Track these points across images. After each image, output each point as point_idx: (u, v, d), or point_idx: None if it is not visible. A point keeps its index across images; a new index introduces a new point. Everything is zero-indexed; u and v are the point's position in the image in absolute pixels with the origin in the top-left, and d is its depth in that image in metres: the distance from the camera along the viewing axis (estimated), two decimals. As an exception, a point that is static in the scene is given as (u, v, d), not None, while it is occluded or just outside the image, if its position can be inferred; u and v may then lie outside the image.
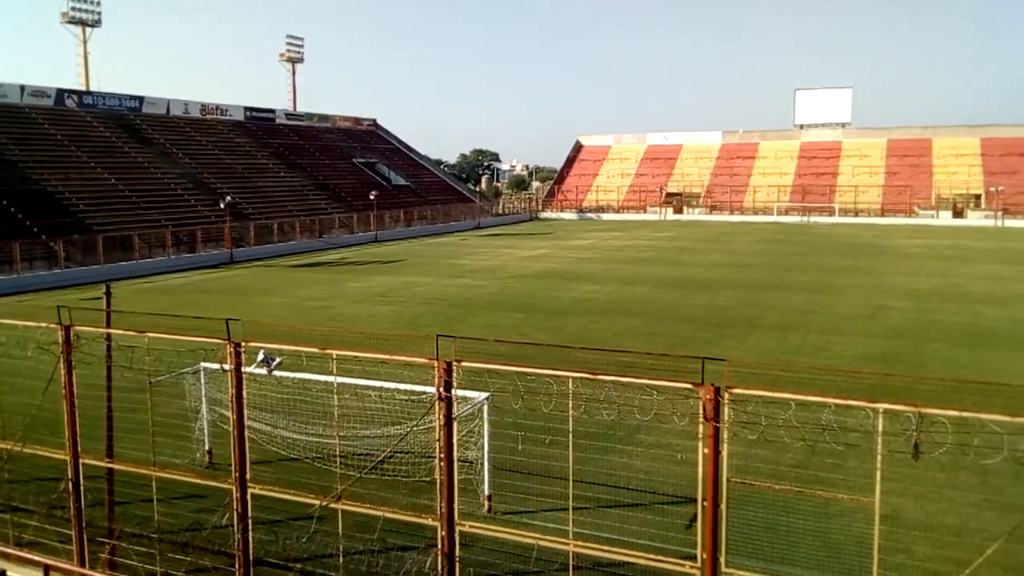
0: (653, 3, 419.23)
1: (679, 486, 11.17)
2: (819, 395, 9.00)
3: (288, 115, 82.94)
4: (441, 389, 9.68)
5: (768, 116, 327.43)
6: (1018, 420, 7.46)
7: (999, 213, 71.18)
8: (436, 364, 9.67)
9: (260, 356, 10.57)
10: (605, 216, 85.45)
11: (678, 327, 24.85)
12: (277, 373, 10.99)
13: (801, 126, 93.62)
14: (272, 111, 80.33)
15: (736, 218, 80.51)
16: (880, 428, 7.82)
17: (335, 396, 10.85)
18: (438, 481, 9.74)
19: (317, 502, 9.84)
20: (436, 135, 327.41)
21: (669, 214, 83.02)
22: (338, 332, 22.98)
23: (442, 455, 9.55)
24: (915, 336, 23.32)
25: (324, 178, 71.53)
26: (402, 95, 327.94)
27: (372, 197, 60.78)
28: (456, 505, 9.36)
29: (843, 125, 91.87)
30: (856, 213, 78.82)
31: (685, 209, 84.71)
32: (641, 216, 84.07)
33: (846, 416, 8.65)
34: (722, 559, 8.32)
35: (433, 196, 79.05)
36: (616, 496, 11.52)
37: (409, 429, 10.54)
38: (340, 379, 10.83)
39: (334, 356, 10.25)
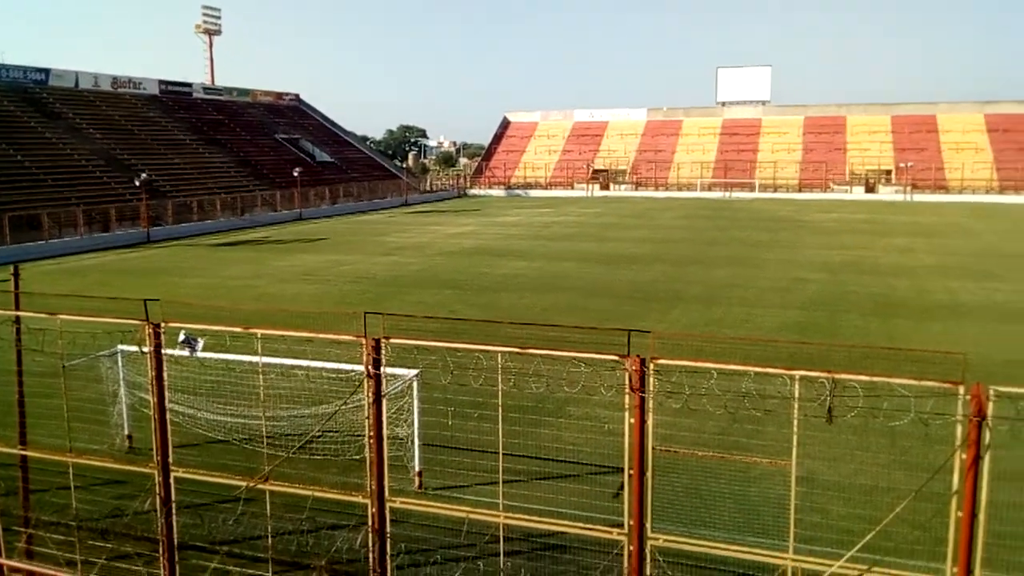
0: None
1: (607, 456, 11.41)
2: (740, 364, 9.29)
3: (206, 89, 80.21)
4: (370, 367, 9.61)
5: (691, 94, 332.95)
6: (924, 384, 7.85)
7: (908, 188, 74.32)
8: (364, 341, 9.58)
9: (181, 337, 10.29)
10: (533, 193, 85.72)
11: (605, 301, 25.21)
12: (200, 354, 10.72)
13: (723, 103, 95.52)
14: (189, 85, 77.55)
15: (661, 194, 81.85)
16: (796, 394, 8.13)
17: (260, 376, 10.65)
18: (368, 459, 9.70)
19: (244, 483, 9.68)
20: (362, 111, 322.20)
21: (596, 191, 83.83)
22: (262, 311, 22.54)
23: (371, 433, 9.51)
24: (830, 307, 24.23)
25: (245, 154, 69.59)
26: (326, 70, 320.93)
27: (296, 174, 59.49)
28: (386, 482, 9.35)
29: (763, 103, 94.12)
30: (775, 189, 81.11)
31: (611, 185, 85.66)
32: (568, 193, 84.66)
33: (765, 384, 8.95)
34: (648, 525, 8.54)
35: (359, 173, 77.83)
36: (546, 468, 11.69)
37: (337, 408, 10.44)
38: (265, 359, 10.64)
39: (259, 335, 10.04)
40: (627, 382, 8.74)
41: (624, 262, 33.82)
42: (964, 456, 7.40)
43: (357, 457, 11.05)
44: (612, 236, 44.30)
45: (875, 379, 7.95)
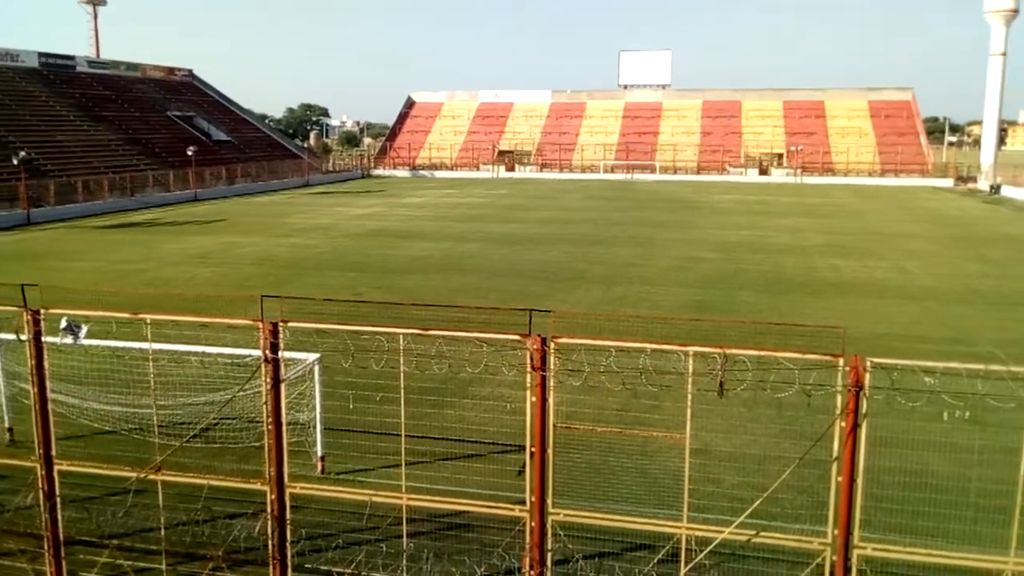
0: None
1: (511, 435, 11.51)
2: (637, 341, 9.53)
3: (91, 63, 75.85)
4: (267, 352, 9.37)
5: (595, 77, 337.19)
6: (808, 357, 8.24)
7: (798, 171, 77.62)
8: (261, 326, 9.34)
9: (63, 324, 9.76)
10: (438, 174, 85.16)
11: (510, 282, 25.37)
12: (85, 341, 10.20)
13: (625, 87, 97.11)
14: (72, 58, 73.16)
15: (565, 175, 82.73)
16: (691, 369, 8.40)
17: (151, 363, 10.24)
18: (267, 445, 9.49)
19: (134, 475, 9.31)
20: (261, 88, 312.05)
21: (502, 172, 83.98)
22: (153, 296, 21.64)
23: (270, 419, 9.29)
24: (725, 284, 25.12)
25: (135, 132, 66.33)
26: (222, 45, 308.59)
27: (190, 153, 57.16)
28: (286, 468, 9.17)
29: (663, 87, 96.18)
30: (675, 171, 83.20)
31: (517, 167, 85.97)
32: (474, 174, 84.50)
33: (662, 360, 9.21)
34: (549, 501, 8.69)
35: (258, 152, 75.42)
36: (451, 448, 11.72)
37: (233, 395, 10.14)
38: (156, 345, 10.23)
39: (148, 321, 9.65)
40: (528, 361, 8.84)
41: (529, 243, 34.08)
42: (844, 424, 7.84)
43: (256, 444, 10.79)
44: (518, 217, 44.53)
45: (763, 353, 8.30)
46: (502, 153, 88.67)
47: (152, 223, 41.94)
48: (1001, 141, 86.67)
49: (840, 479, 7.87)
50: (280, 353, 9.54)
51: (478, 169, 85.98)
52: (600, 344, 9.17)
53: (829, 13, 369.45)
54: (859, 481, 7.91)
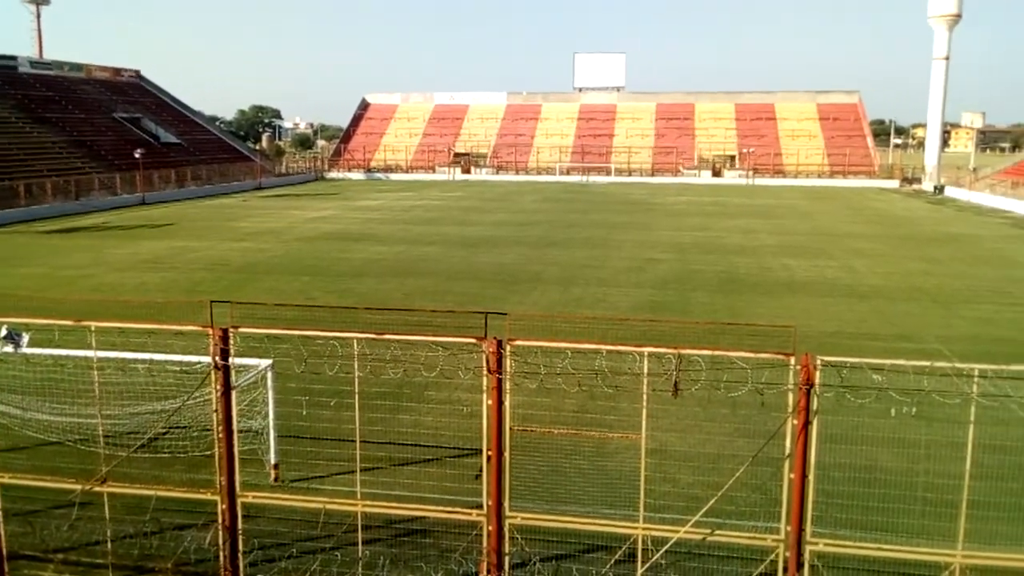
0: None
1: (467, 439, 11.45)
2: (593, 343, 9.55)
3: (33, 63, 73.75)
4: (217, 358, 9.18)
5: (550, 79, 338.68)
6: (760, 356, 8.33)
7: (750, 172, 78.89)
8: (211, 332, 9.14)
9: (3, 332, 9.44)
10: (394, 176, 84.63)
11: (467, 285, 25.28)
12: (26, 350, 9.88)
13: (580, 89, 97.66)
14: (13, 58, 71.03)
15: (521, 178, 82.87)
16: (646, 370, 8.44)
17: (96, 372, 9.96)
18: (217, 454, 9.28)
19: (79, 487, 9.04)
20: (211, 90, 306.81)
21: (457, 174, 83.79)
22: (99, 302, 21.07)
23: (221, 427, 9.10)
24: (680, 285, 25.38)
25: (80, 134, 64.66)
26: (170, 45, 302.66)
27: (137, 155, 55.89)
28: (237, 477, 8.98)
29: (618, 89, 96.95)
30: (630, 173, 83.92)
31: (473, 169, 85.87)
32: (430, 176, 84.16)
33: (618, 361, 9.24)
34: (506, 504, 8.65)
35: (208, 155, 74.07)
36: (407, 454, 11.61)
37: (182, 402, 9.91)
38: (101, 353, 9.95)
39: (92, 328, 9.38)
40: (484, 364, 8.79)
41: (486, 245, 34.03)
42: (795, 422, 7.94)
43: (207, 453, 10.55)
44: (474, 219, 44.45)
45: (716, 353, 8.38)
46: (458, 155, 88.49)
47: (99, 227, 40.90)
48: (944, 143, 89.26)
49: (792, 476, 7.97)
50: (231, 359, 9.35)
51: (434, 171, 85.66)
52: (556, 346, 9.17)
53: (779, 17, 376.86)
54: (811, 478, 8.02)
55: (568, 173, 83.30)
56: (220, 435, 9.11)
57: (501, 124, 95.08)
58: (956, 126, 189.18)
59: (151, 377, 10.95)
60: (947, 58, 75.95)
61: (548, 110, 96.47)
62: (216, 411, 9.29)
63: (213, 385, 9.38)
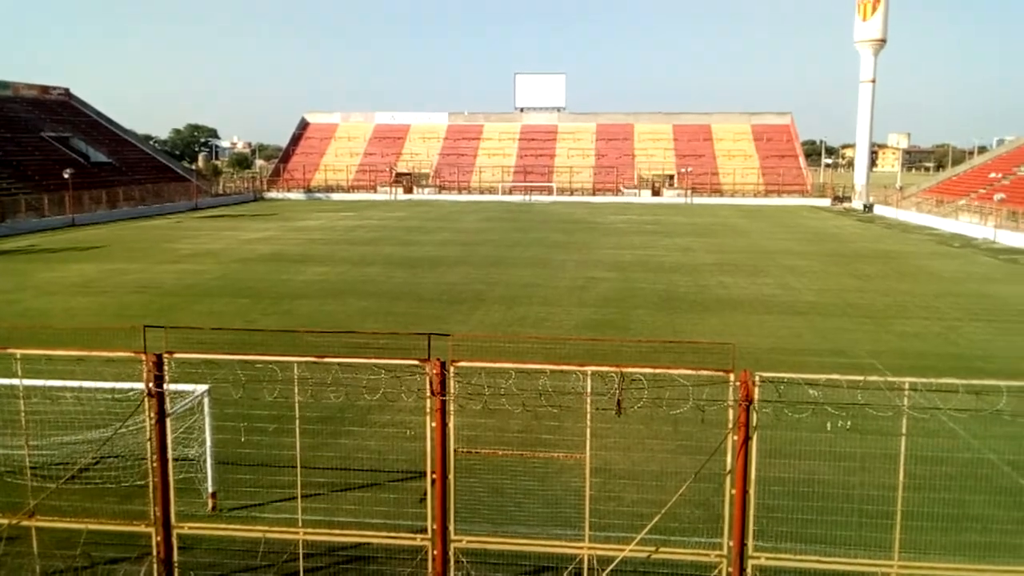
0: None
1: (412, 462, 11.32)
2: (537, 363, 9.56)
3: (-45, 80, 71.10)
4: (151, 384, 8.92)
5: (491, 99, 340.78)
6: (701, 373, 8.46)
7: (688, 191, 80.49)
8: (144, 358, 8.88)
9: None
10: (335, 196, 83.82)
11: (410, 305, 25.11)
12: (-56, 380, 9.45)
13: (521, 109, 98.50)
14: (-68, 74, 68.32)
15: (464, 197, 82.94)
16: (589, 389, 8.48)
17: (22, 401, 9.56)
18: (151, 484, 8.99)
19: (5, 521, 8.64)
20: (145, 108, 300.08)
21: (399, 194, 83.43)
22: (24, 328, 20.27)
23: (155, 455, 8.82)
24: (621, 303, 25.65)
25: (5, 154, 62.41)
26: (101, 62, 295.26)
27: (66, 176, 54.13)
28: (173, 507, 8.71)
29: (558, 109, 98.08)
30: (572, 192, 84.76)
31: (415, 189, 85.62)
32: (371, 196, 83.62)
33: (562, 381, 9.27)
34: (451, 527, 8.57)
35: (142, 175, 72.26)
36: (350, 479, 11.40)
37: (114, 431, 9.58)
38: (27, 381, 9.56)
39: (17, 356, 9.01)
40: (428, 386, 8.72)
41: (429, 265, 33.89)
42: (736, 438, 8.07)
43: (141, 483, 10.20)
44: (416, 239, 44.27)
45: (658, 371, 8.47)
46: (399, 175, 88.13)
47: (25, 251, 39.44)
48: (872, 163, 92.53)
49: (734, 491, 8.09)
50: (165, 386, 9.09)
51: (375, 191, 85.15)
52: (500, 366, 9.15)
53: (714, 41, 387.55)
54: (752, 492, 8.15)
55: (511, 192, 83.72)
56: (154, 464, 8.83)
57: (443, 144, 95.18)
58: (883, 146, 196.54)
59: (81, 405, 10.57)
60: (873, 81, 78.95)
61: (490, 130, 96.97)
62: (150, 439, 9.01)
63: (147, 412, 9.10)
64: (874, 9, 77.47)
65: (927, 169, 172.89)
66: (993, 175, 61.02)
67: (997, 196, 49.73)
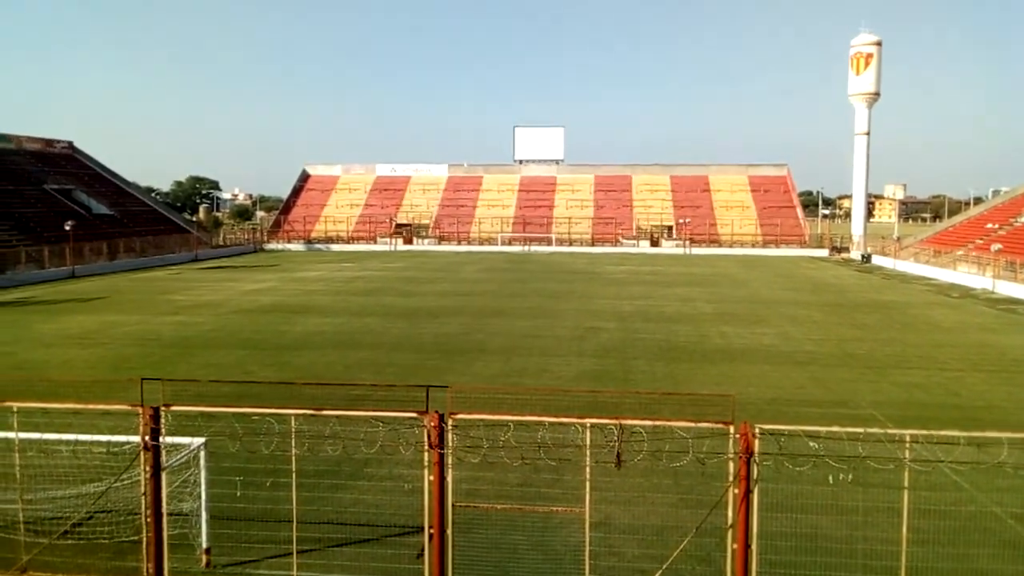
0: (375, 39, 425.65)
1: (409, 516, 11.18)
2: (535, 415, 9.51)
3: (-40, 134, 72.03)
4: (147, 438, 8.86)
5: (490, 151, 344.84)
6: (700, 425, 8.41)
7: (687, 242, 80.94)
8: (141, 410, 8.84)
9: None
10: (335, 247, 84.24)
11: (409, 356, 25.04)
12: (-61, 434, 9.39)
13: (520, 161, 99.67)
14: (-61, 128, 69.26)
15: (463, 248, 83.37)
16: (588, 442, 8.43)
17: (17, 455, 9.49)
18: (145, 539, 8.87)
19: (-7, 580, 8.49)
20: (147, 161, 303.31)
21: (399, 245, 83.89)
22: (21, 381, 20.17)
23: (149, 510, 8.72)
24: (621, 354, 25.59)
25: (7, 207, 62.93)
26: (105, 116, 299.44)
27: (68, 227, 54.51)
28: (166, 563, 8.57)
29: (557, 161, 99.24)
30: (570, 243, 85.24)
31: (415, 240, 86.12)
32: (371, 247, 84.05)
33: (561, 433, 9.21)
34: (449, 585, 8.42)
35: (142, 226, 72.73)
36: (346, 534, 11.23)
37: (108, 485, 9.48)
38: (23, 435, 9.51)
39: (14, 409, 8.98)
40: (426, 439, 8.67)
41: (428, 316, 33.90)
42: (737, 491, 7.99)
43: (134, 538, 10.06)
44: (416, 290, 44.36)
45: (658, 423, 8.43)
46: (399, 226, 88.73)
47: (24, 302, 39.48)
48: (869, 214, 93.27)
49: (735, 546, 7.97)
50: (161, 439, 9.03)
51: (375, 242, 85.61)
52: (498, 419, 9.10)
53: (712, 93, 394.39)
54: (754, 547, 8.03)
55: (510, 243, 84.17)
56: (148, 519, 8.73)
57: (443, 195, 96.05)
58: (880, 197, 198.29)
59: (76, 459, 10.48)
60: (868, 133, 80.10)
61: (489, 181, 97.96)
62: (145, 494, 8.92)
63: (142, 466, 9.02)
64: (867, 64, 79.00)
65: (924, 220, 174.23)
66: (990, 225, 61.45)
67: (994, 247, 49.99)
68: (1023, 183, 69.43)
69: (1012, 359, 25.15)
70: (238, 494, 10.97)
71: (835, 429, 7.94)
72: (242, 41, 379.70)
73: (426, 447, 8.48)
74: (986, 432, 8.54)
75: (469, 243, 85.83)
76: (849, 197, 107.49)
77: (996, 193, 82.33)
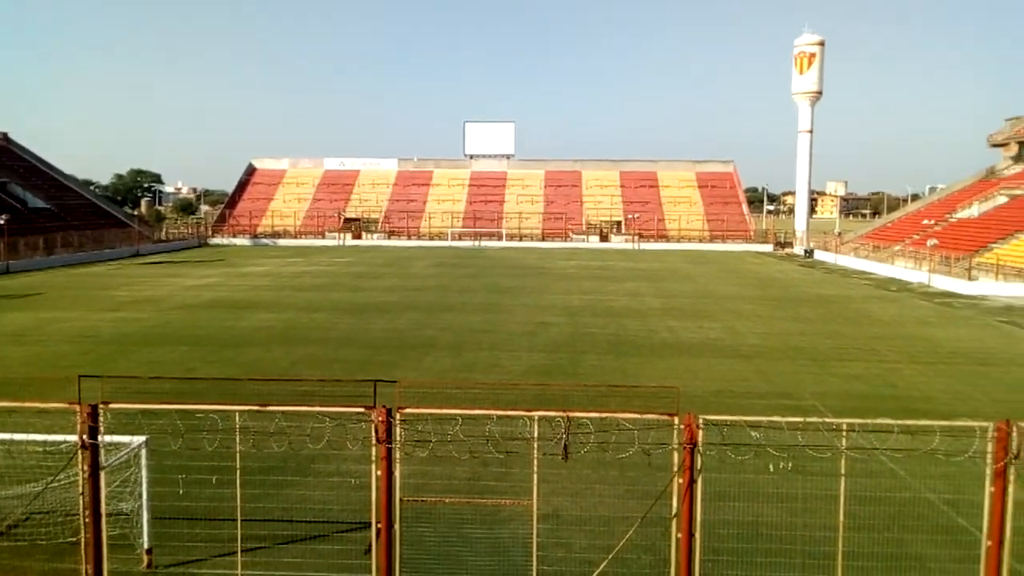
0: (324, 32, 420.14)
1: (357, 512, 11.11)
2: (485, 408, 9.53)
3: None
4: (85, 436, 8.64)
5: (441, 146, 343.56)
6: (646, 416, 8.53)
7: (636, 237, 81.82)
8: (78, 408, 8.61)
9: None
10: (282, 242, 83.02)
11: (357, 352, 24.82)
12: None
13: (471, 156, 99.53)
14: None
15: (413, 243, 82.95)
16: (536, 434, 8.48)
17: (-55, 456, 9.17)
18: (83, 540, 8.65)
19: (-79, 586, 8.18)
20: (86, 154, 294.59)
21: (348, 239, 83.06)
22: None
23: (87, 510, 8.51)
24: (570, 348, 25.76)
25: (-62, 199, 60.53)
26: (42, 107, 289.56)
27: (1, 222, 52.67)
28: (106, 565, 8.37)
29: (507, 156, 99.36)
30: (521, 238, 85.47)
31: (364, 234, 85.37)
32: (320, 242, 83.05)
33: (509, 426, 9.25)
34: (397, 579, 8.40)
35: (81, 221, 70.65)
36: (293, 531, 11.10)
37: (46, 486, 9.22)
38: (-48, 435, 9.19)
39: (-58, 408, 8.66)
40: (373, 434, 8.62)
41: (377, 311, 33.65)
42: (681, 481, 8.12)
43: (72, 539, 9.81)
44: (365, 285, 43.98)
45: (604, 415, 8.52)
46: (348, 220, 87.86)
47: (-44, 298, 38.03)
48: (812, 210, 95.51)
49: (679, 535, 8.11)
50: (100, 437, 8.81)
51: (324, 237, 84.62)
52: (447, 413, 9.10)
53: (660, 90, 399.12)
54: (697, 536, 8.18)
55: (460, 238, 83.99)
56: (87, 519, 8.52)
57: (392, 190, 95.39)
58: (822, 194, 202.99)
59: (11, 459, 10.17)
60: (811, 131, 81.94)
61: (439, 176, 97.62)
62: (83, 494, 8.70)
63: (80, 465, 8.80)
64: (810, 63, 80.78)
65: (864, 216, 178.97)
66: (926, 221, 63.47)
67: (930, 242, 51.66)
68: (958, 181, 71.96)
69: (947, 351, 26.03)
70: (181, 492, 10.77)
71: (776, 419, 8.14)
72: (187, 31, 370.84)
73: (374, 442, 8.43)
74: (920, 421, 8.84)
75: (419, 238, 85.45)
76: (793, 193, 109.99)
77: (932, 190, 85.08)
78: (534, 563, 8.36)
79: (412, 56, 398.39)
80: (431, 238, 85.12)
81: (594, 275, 51.11)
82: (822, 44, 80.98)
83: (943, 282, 46.21)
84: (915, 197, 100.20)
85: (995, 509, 7.91)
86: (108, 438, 9.22)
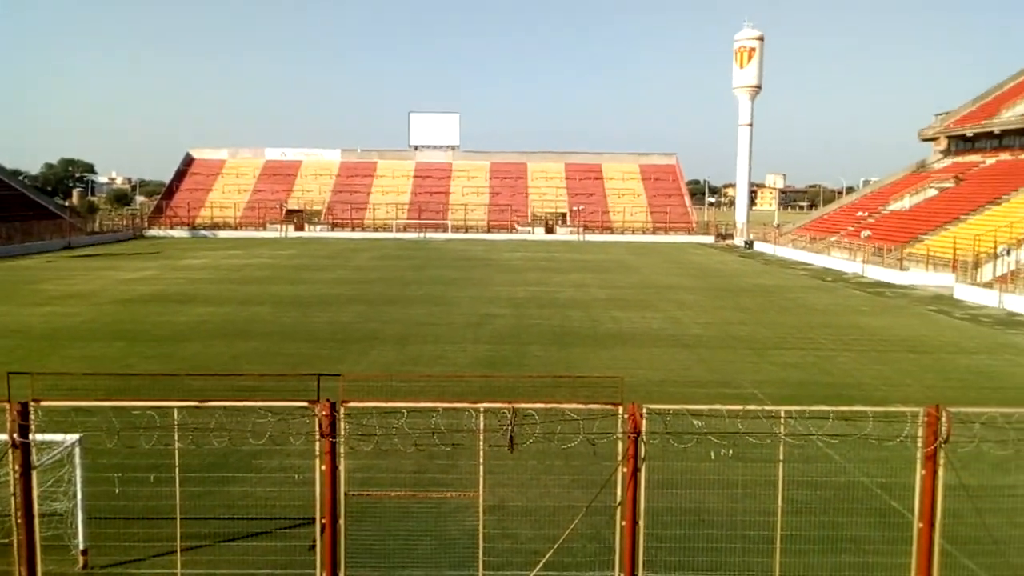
0: (265, 20, 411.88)
1: (301, 508, 10.96)
2: (430, 401, 9.51)
3: None
4: (15, 435, 8.35)
5: (385, 137, 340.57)
6: (591, 406, 8.62)
7: (581, 229, 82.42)
8: (7, 406, 8.32)
9: None
10: (221, 234, 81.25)
11: (300, 346, 24.49)
12: None
13: (416, 147, 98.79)
14: None
15: (357, 235, 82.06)
16: (482, 426, 8.49)
17: None
18: (16, 542, 8.37)
19: None
20: (12, 142, 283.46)
21: (290, 231, 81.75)
22: None
23: (19, 511, 8.24)
24: (516, 339, 25.85)
25: None
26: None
27: (-76, 212, 50.42)
28: (39, 567, 8.12)
29: (453, 148, 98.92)
30: (467, 229, 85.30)
31: (306, 226, 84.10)
32: (261, 234, 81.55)
33: (455, 419, 9.24)
34: (342, 574, 8.34)
35: (7, 212, 68.00)
36: (235, 528, 10.91)
37: (-28, 487, 8.89)
38: None
39: None
40: (317, 428, 8.53)
41: (320, 304, 33.22)
42: (626, 469, 8.24)
43: (4, 541, 9.47)
44: (308, 278, 43.37)
45: (550, 406, 8.58)
46: (290, 212, 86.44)
47: None
48: (752, 202, 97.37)
49: (624, 523, 8.23)
50: (31, 436, 8.53)
51: (265, 229, 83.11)
52: (392, 406, 9.04)
53: (603, 83, 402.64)
54: (641, 523, 8.31)
55: (405, 230, 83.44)
56: (19, 520, 8.24)
57: (336, 181, 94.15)
58: (761, 186, 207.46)
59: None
60: (751, 125, 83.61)
61: (384, 167, 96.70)
62: (14, 494, 8.41)
63: (10, 465, 8.51)
64: (750, 58, 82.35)
65: (801, 208, 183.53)
66: (860, 214, 65.36)
67: (864, 233, 53.25)
68: (891, 174, 74.26)
69: (880, 339, 26.89)
70: (117, 492, 10.50)
71: (717, 407, 8.30)
72: (120, 15, 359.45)
73: (317, 436, 8.34)
74: (854, 407, 9.13)
75: (363, 230, 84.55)
76: (733, 186, 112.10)
77: (867, 183, 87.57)
78: (480, 554, 8.38)
79: (356, 45, 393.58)
80: (376, 230, 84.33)
81: (539, 267, 51.34)
82: (761, 39, 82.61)
83: (876, 272, 47.70)
84: (850, 190, 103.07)
85: (926, 492, 8.22)
86: (40, 436, 8.94)
